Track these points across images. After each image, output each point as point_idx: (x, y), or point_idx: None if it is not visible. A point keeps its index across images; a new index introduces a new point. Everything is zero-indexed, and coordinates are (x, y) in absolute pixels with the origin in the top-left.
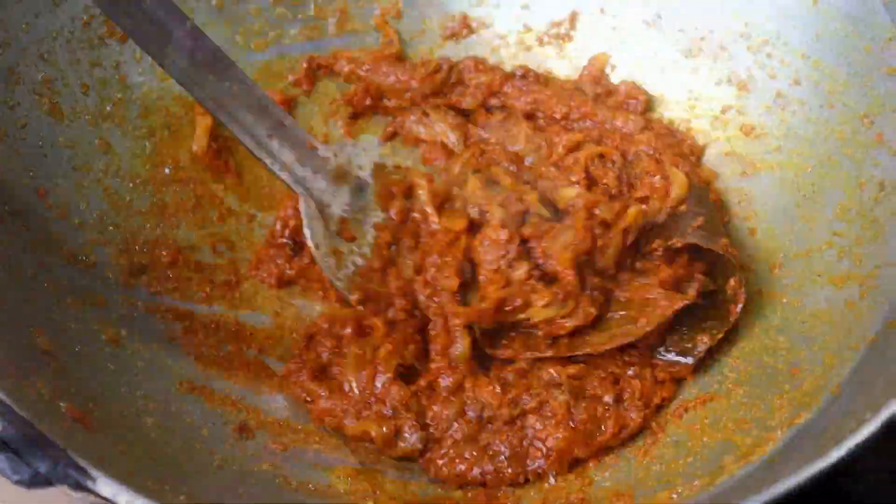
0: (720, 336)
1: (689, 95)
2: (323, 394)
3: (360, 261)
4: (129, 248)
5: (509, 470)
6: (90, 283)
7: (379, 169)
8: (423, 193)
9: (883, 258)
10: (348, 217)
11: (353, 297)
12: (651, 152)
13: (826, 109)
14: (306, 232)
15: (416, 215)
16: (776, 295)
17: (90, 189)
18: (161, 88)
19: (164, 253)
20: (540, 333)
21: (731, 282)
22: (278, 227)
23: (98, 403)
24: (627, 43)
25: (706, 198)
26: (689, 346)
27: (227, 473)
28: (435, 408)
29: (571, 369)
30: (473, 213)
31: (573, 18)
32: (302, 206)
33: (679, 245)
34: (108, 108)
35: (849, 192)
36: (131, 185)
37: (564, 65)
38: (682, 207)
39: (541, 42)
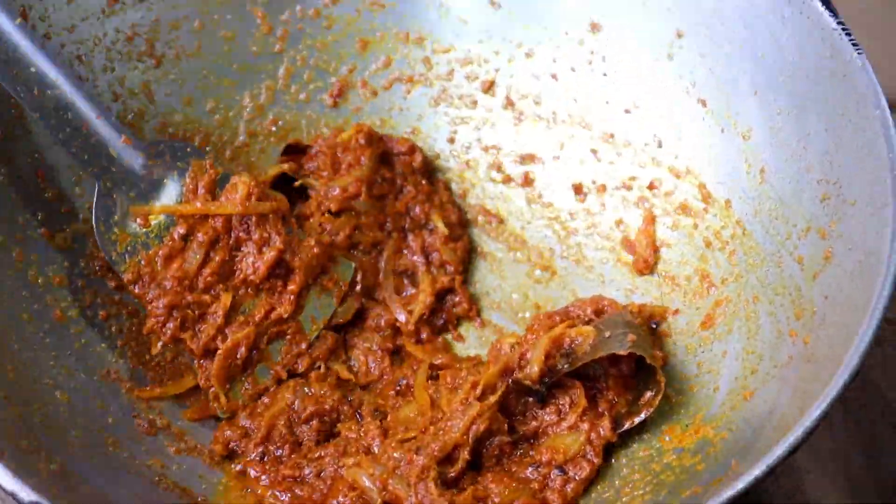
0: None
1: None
2: None
3: (149, 247)
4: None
5: None
6: (59, 263)
7: (198, 167)
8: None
9: (736, 425)
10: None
11: (126, 277)
12: None
13: (739, 281)
14: (95, 212)
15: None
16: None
17: (91, 188)
18: (183, 112)
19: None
20: None
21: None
22: None
23: (14, 366)
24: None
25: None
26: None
27: (112, 458)
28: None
29: None
30: None
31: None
32: (98, 186)
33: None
34: (130, 117)
35: (738, 359)
36: None
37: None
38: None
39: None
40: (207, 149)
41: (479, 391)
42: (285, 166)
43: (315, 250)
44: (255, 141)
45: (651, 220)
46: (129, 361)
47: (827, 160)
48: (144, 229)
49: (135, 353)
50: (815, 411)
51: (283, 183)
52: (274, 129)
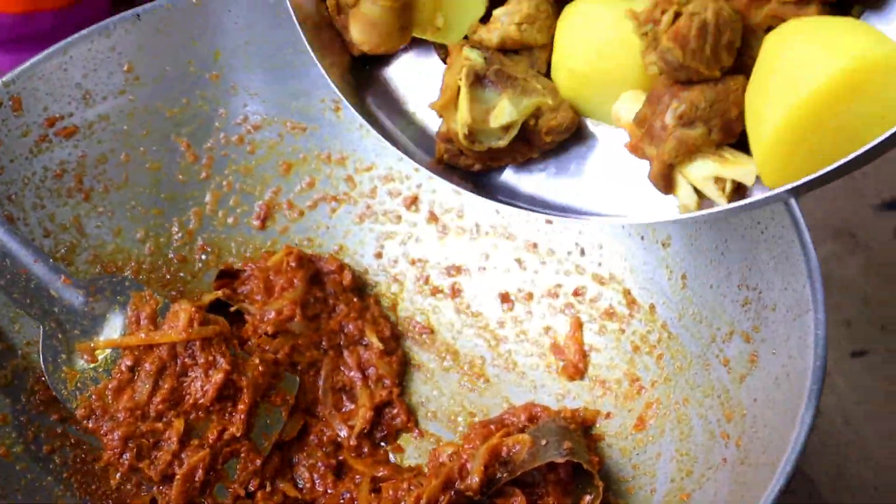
0: None
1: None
2: None
3: (98, 382)
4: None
5: None
6: (0, 401)
7: (139, 299)
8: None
9: None
10: (93, 342)
11: (78, 413)
12: None
13: (668, 384)
14: (43, 353)
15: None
16: None
17: (29, 323)
18: (114, 243)
19: None
20: None
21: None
22: None
23: None
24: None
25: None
26: None
27: None
28: None
29: None
30: None
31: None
32: (42, 328)
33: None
34: (62, 252)
35: (672, 461)
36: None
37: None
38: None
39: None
40: (141, 277)
41: None
42: (219, 293)
43: (261, 368)
44: (187, 266)
45: (578, 325)
46: (75, 493)
47: (746, 266)
48: (92, 364)
49: (80, 483)
50: None
51: (217, 308)
52: (204, 254)
